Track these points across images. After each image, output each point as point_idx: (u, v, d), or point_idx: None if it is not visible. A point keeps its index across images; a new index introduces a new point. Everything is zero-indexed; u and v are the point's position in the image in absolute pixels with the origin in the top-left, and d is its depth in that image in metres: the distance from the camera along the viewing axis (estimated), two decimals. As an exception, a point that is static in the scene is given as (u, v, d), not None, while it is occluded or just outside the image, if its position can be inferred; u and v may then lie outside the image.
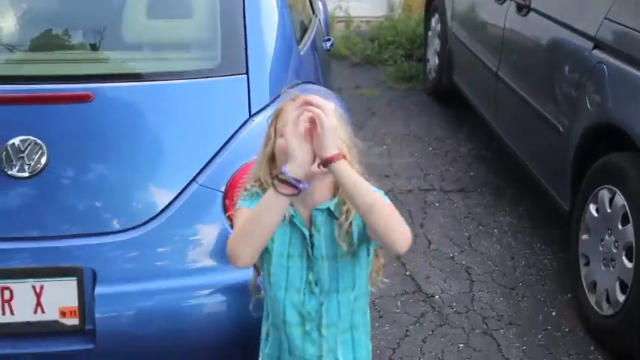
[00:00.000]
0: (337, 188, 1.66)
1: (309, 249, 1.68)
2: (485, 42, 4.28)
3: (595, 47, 2.95)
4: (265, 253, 1.69)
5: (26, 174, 2.07)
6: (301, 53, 2.80)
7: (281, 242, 1.68)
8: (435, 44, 5.47)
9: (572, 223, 3.06)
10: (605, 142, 2.86)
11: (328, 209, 1.67)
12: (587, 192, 2.92)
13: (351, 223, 1.66)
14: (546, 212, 3.63)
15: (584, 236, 2.95)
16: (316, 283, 1.70)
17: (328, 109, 1.59)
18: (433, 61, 5.50)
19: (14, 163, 2.08)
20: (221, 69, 2.36)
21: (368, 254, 1.73)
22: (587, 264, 2.92)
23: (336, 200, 1.67)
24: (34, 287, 2.01)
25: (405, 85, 5.88)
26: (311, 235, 1.68)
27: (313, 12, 3.68)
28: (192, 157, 2.19)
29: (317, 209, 1.67)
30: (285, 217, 1.64)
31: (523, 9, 3.65)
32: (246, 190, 1.72)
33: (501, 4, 3.97)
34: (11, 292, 2.01)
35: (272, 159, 1.67)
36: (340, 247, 1.67)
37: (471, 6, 4.67)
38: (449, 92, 5.17)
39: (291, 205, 1.65)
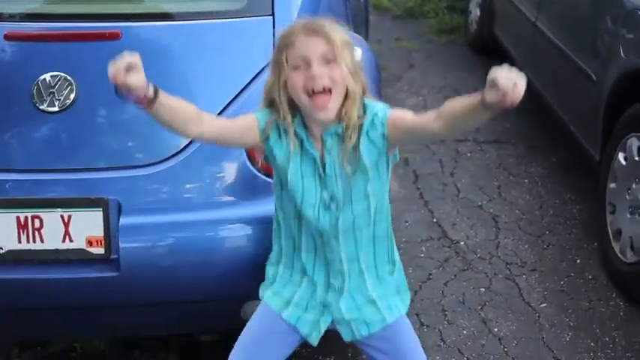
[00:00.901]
0: (342, 111, 1.75)
1: (321, 170, 1.78)
2: (525, -9, 4.22)
3: (630, -7, 2.89)
4: (280, 168, 1.81)
5: (56, 108, 2.15)
6: (328, -3, 2.81)
7: (294, 163, 1.79)
8: (477, -4, 5.39)
9: (600, 172, 3.04)
10: (637, 90, 2.82)
11: (336, 132, 1.76)
12: (617, 140, 2.90)
13: (357, 146, 1.75)
14: (579, 163, 3.60)
15: (612, 185, 2.93)
16: (332, 199, 1.79)
17: (339, 38, 1.70)
18: (475, 13, 5.43)
19: (44, 98, 2.15)
20: (247, 10, 2.39)
21: (388, 169, 1.82)
22: (613, 212, 2.91)
23: (343, 124, 1.75)
24: (62, 217, 2.10)
25: (445, 38, 5.82)
26: (322, 156, 1.77)
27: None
28: (216, 95, 2.24)
29: (327, 133, 1.76)
30: (296, 143, 1.77)
31: (562, -44, 3.59)
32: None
33: (541, -48, 3.89)
34: (41, 221, 2.10)
35: (286, 86, 1.75)
36: (351, 166, 1.76)
37: (512, -45, 4.58)
38: (489, 44, 5.11)
39: (304, 128, 1.77)
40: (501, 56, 4.80)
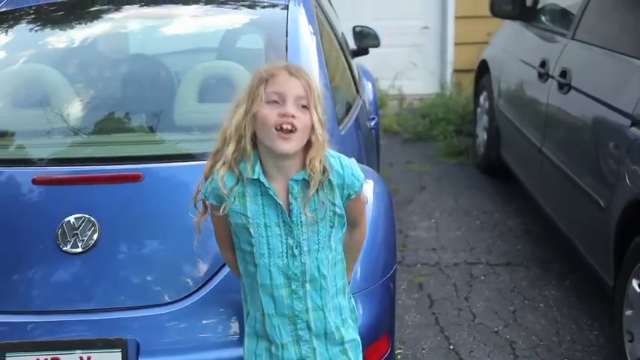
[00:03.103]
0: (306, 161, 1.83)
1: (286, 217, 1.84)
2: (530, 119, 4.35)
3: (633, 124, 2.98)
4: (240, 229, 1.87)
5: (79, 250, 2.22)
6: (342, 133, 2.92)
7: (255, 215, 1.85)
8: (483, 120, 5.56)
9: (615, 299, 3.04)
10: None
11: (303, 179, 1.84)
12: (629, 267, 2.92)
13: (319, 198, 1.85)
14: (593, 287, 3.60)
15: (628, 312, 2.93)
16: (297, 247, 1.85)
17: (316, 87, 1.81)
18: (482, 136, 5.58)
19: (68, 239, 2.23)
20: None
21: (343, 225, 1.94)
22: (631, 340, 2.89)
23: (308, 171, 1.83)
24: (81, 358, 2.12)
25: (454, 160, 5.95)
26: (289, 204, 1.83)
27: (357, 92, 3.82)
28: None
29: (293, 179, 1.83)
30: (258, 190, 1.83)
31: (564, 87, 3.72)
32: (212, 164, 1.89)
33: (544, 82, 4.05)
34: (60, 364, 2.13)
35: (253, 119, 1.81)
36: (315, 212, 1.84)
37: (516, 84, 4.76)
38: (497, 167, 5.22)
39: (265, 176, 1.83)
40: (510, 178, 4.92)
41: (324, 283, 1.89)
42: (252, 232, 1.85)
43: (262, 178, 1.83)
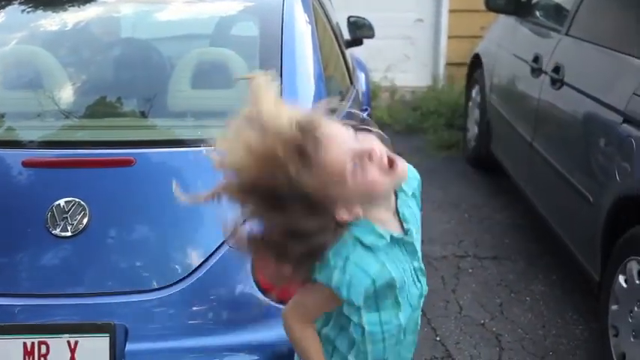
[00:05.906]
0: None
1: (404, 236, 1.58)
2: (521, 113, 4.36)
3: (624, 121, 3.00)
4: (385, 292, 1.59)
5: (68, 233, 2.21)
6: (334, 123, 2.92)
7: (396, 271, 1.57)
8: (474, 114, 5.57)
9: (601, 294, 3.06)
10: (635, 214, 2.88)
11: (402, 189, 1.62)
12: (616, 263, 2.94)
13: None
14: (580, 282, 3.63)
15: (614, 307, 2.95)
16: (419, 269, 1.64)
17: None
18: (473, 130, 5.59)
19: (58, 222, 2.21)
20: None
21: None
22: (616, 335, 2.91)
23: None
24: (68, 342, 2.11)
25: (444, 153, 5.97)
26: (407, 230, 1.58)
27: (351, 83, 3.82)
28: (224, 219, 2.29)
29: (398, 209, 1.59)
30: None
31: (557, 83, 3.73)
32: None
33: (536, 77, 4.06)
34: (47, 347, 2.11)
35: None
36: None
37: (508, 79, 4.77)
38: (487, 161, 5.24)
39: (382, 225, 1.55)
40: (499, 172, 4.93)
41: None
42: (398, 285, 1.58)
43: (382, 231, 1.54)
